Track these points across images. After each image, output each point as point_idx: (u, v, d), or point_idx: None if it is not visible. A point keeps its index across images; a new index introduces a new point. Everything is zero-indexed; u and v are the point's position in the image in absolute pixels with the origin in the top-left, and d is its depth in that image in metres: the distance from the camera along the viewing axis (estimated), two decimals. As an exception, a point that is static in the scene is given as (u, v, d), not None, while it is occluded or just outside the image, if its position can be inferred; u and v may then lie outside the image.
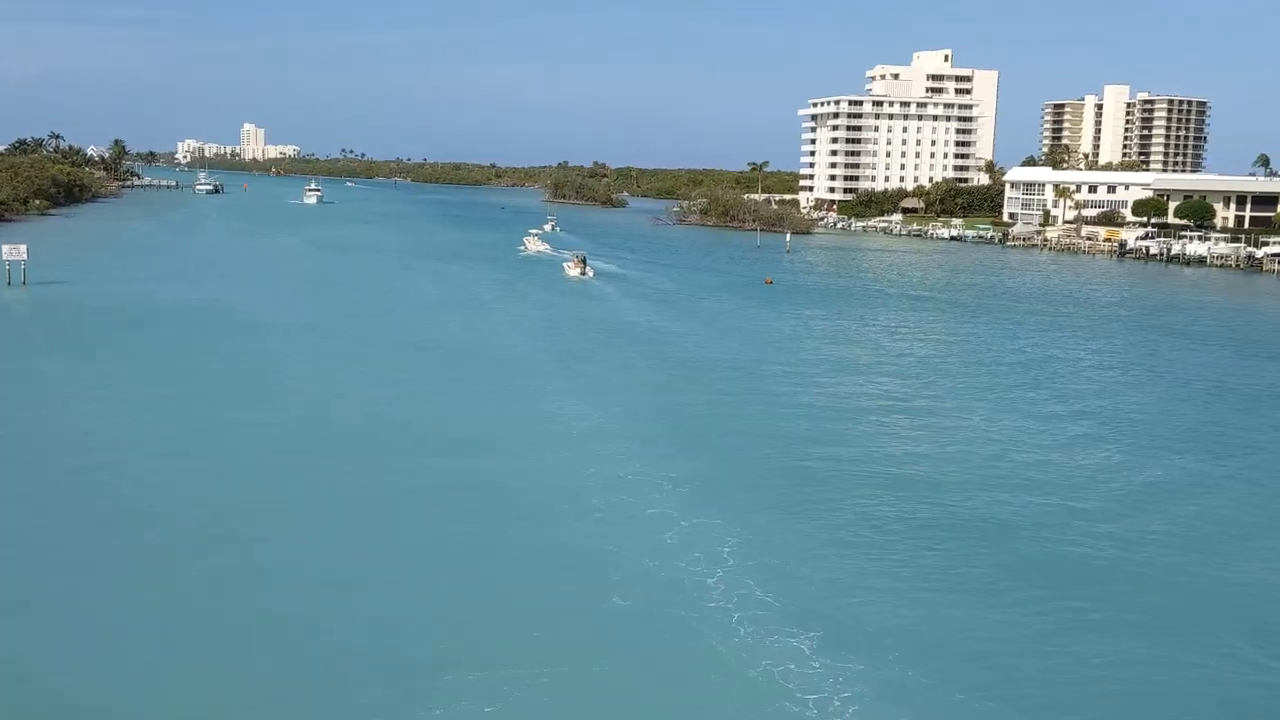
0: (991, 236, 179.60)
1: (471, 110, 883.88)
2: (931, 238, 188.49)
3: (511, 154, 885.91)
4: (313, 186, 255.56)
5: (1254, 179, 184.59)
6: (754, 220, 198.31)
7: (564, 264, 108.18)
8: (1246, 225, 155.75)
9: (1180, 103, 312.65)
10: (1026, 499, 35.55)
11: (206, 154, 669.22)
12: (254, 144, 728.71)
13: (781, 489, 35.66)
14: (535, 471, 36.88)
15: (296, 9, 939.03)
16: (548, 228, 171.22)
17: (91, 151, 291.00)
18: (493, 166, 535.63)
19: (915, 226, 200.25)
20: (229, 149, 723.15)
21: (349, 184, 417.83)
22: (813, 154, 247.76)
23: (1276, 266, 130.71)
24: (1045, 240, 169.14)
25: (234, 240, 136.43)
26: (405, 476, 35.83)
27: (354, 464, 37.07)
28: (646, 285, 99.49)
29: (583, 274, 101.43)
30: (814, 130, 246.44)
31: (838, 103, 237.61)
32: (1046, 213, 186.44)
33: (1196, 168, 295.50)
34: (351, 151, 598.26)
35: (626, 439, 41.42)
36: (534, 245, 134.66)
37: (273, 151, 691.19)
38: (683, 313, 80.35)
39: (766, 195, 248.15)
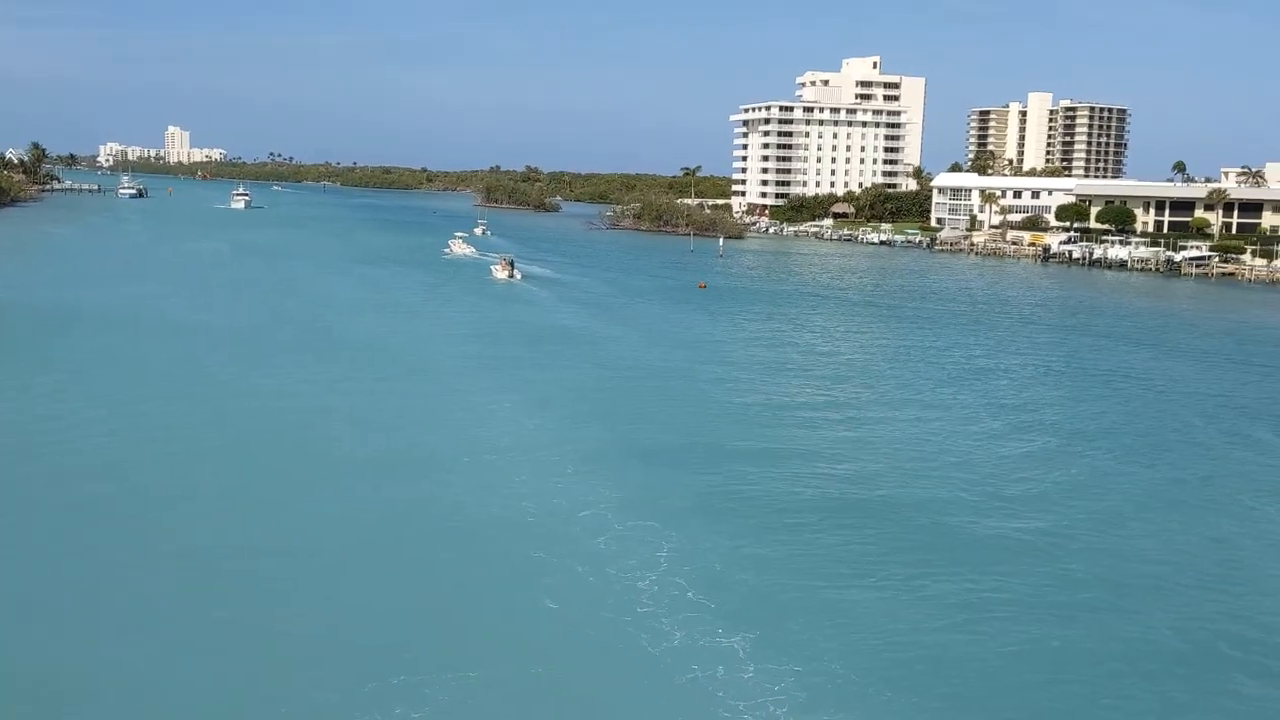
0: (920, 241, 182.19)
1: (402, 114, 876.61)
2: (861, 242, 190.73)
3: (443, 158, 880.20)
4: (240, 191, 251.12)
5: (1172, 185, 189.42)
6: (687, 225, 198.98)
7: (492, 267, 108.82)
8: (1165, 230, 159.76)
9: (1101, 110, 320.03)
10: (955, 497, 36.06)
11: (129, 157, 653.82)
12: (179, 147, 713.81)
13: (715, 492, 35.77)
14: (465, 478, 36.55)
15: (222, 9, 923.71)
16: (478, 232, 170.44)
17: (10, 154, 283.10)
18: (424, 171, 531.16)
19: (846, 231, 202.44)
20: (153, 152, 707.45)
21: (275, 188, 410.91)
22: (745, 159, 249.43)
23: (1194, 270, 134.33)
24: (972, 245, 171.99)
25: (159, 245, 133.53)
26: (328, 485, 35.30)
27: (276, 472, 36.44)
28: (580, 290, 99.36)
29: (510, 276, 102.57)
30: (746, 135, 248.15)
31: (769, 108, 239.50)
32: (973, 218, 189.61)
33: (1117, 174, 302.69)
34: (279, 155, 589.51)
35: (559, 444, 41.24)
36: (459, 248, 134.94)
37: (198, 155, 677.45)
38: (616, 317, 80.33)
39: (699, 200, 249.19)
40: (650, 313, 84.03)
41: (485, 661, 23.54)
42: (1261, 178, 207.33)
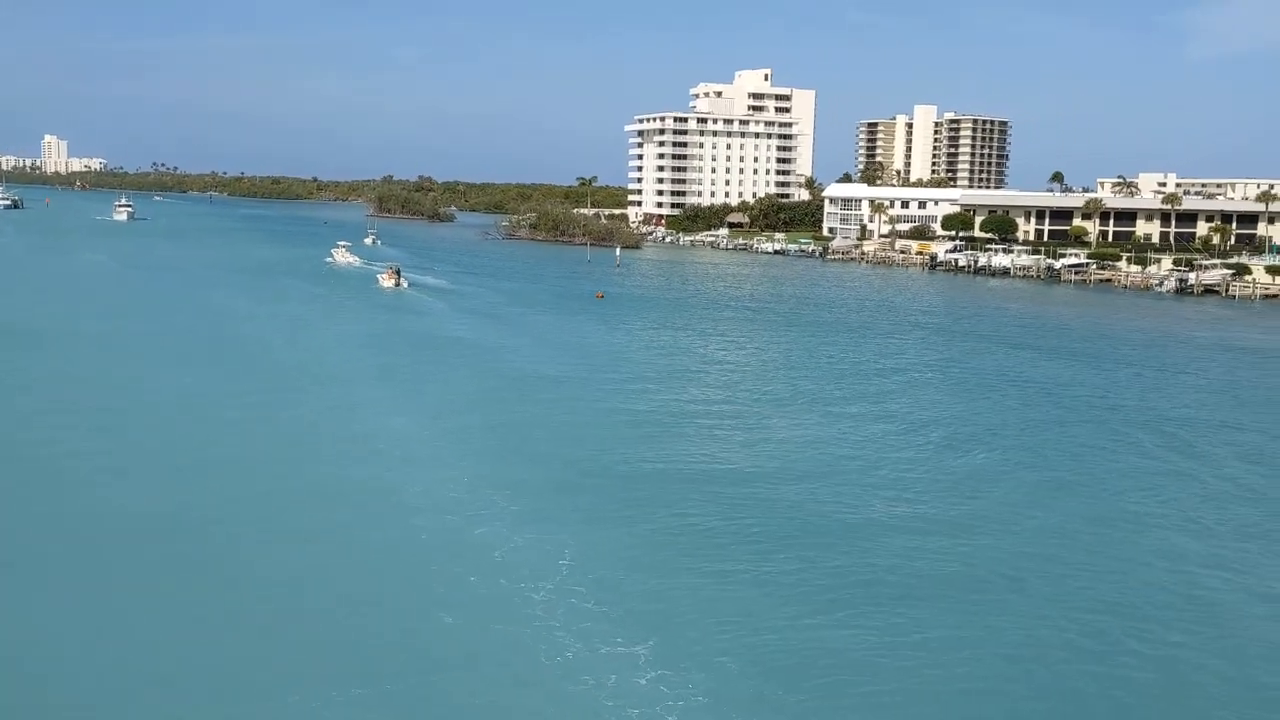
0: (813, 250, 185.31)
1: (292, 122, 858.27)
2: (756, 251, 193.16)
3: (334, 168, 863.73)
4: (123, 202, 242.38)
5: (1051, 194, 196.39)
6: (584, 235, 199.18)
7: (378, 275, 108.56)
8: (1045, 238, 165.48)
9: (984, 122, 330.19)
10: (848, 498, 36.62)
11: (4, 166, 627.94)
12: (56, 156, 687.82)
13: (612, 501, 35.71)
14: (357, 491, 35.84)
15: (101, 14, 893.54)
16: (368, 242, 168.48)
17: None
18: (314, 180, 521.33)
19: (741, 241, 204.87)
20: (29, 162, 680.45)
21: (156, 198, 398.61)
22: (640, 169, 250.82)
23: (1073, 277, 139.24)
24: (863, 254, 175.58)
25: (37, 257, 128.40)
26: (214, 497, 34.27)
27: (154, 488, 35.23)
28: (475, 300, 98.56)
29: (397, 285, 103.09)
30: (641, 146, 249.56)
31: (663, 119, 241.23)
32: (863, 227, 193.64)
33: (1000, 184, 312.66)
34: (163, 165, 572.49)
35: (453, 455, 40.76)
36: (342, 257, 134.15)
37: (77, 164, 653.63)
38: (512, 327, 79.84)
39: (596, 210, 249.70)
40: (547, 323, 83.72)
41: (379, 677, 23.05)
42: (1135, 188, 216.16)
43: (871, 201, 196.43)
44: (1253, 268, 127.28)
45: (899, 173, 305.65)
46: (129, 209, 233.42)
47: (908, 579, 29.61)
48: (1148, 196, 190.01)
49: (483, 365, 61.68)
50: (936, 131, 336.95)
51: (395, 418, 46.94)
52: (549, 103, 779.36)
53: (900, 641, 25.64)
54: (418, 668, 23.66)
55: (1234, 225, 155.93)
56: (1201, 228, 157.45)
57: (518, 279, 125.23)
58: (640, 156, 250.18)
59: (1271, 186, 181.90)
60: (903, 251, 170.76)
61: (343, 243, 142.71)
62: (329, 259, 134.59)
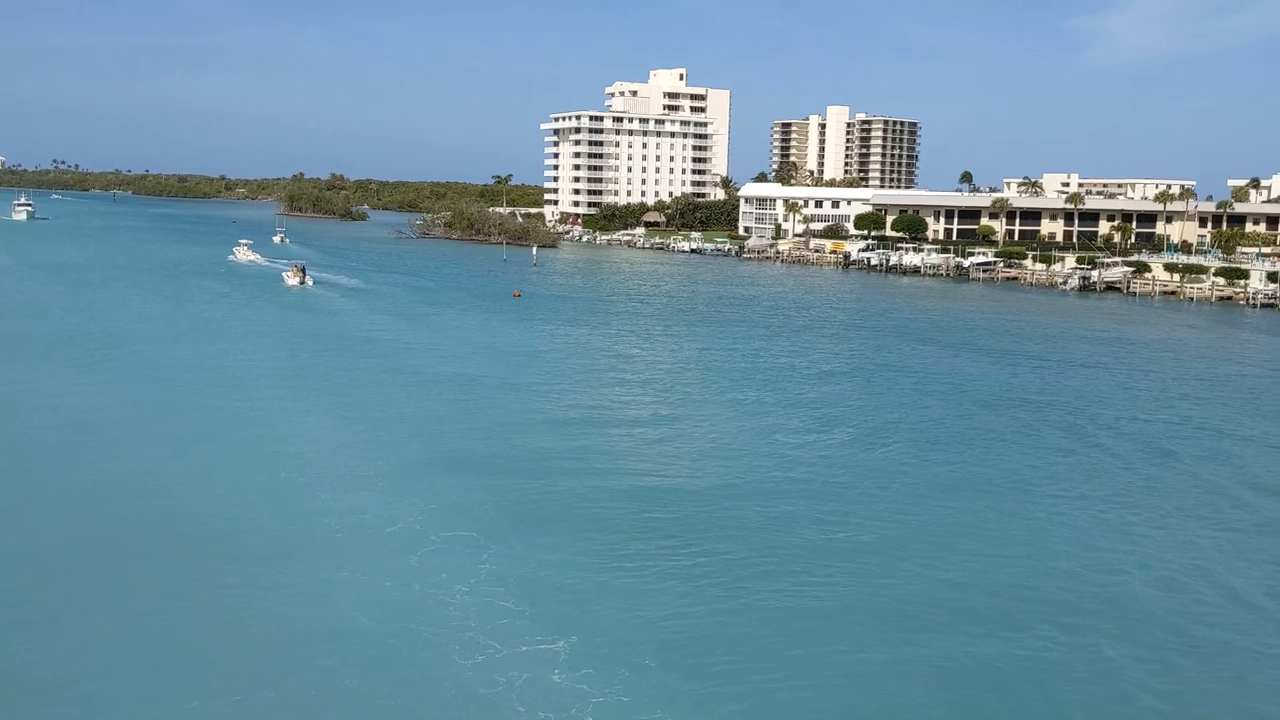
0: (729, 249, 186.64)
1: (200, 120, 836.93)
2: (673, 250, 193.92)
3: (244, 166, 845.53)
4: (23, 201, 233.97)
5: (959, 194, 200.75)
6: (499, 234, 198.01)
7: (283, 274, 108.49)
8: (955, 237, 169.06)
9: (894, 124, 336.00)
10: (763, 493, 36.85)
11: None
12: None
13: (529, 501, 35.45)
14: (265, 496, 35.04)
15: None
16: (277, 240, 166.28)
17: None
18: (223, 179, 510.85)
19: (657, 240, 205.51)
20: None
21: (55, 196, 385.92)
22: (556, 168, 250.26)
23: (981, 275, 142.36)
24: (778, 253, 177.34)
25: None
26: (118, 503, 33.22)
27: (60, 494, 34.03)
28: (388, 299, 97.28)
29: (302, 283, 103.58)
30: (557, 145, 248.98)
31: (579, 118, 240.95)
32: (778, 226, 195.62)
33: (910, 184, 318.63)
34: (64, 163, 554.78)
35: (366, 458, 40.10)
36: (244, 255, 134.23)
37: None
38: (427, 327, 78.92)
39: (512, 209, 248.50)
40: (462, 322, 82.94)
41: (289, 679, 22.54)
42: (1040, 188, 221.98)
43: (786, 201, 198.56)
44: (1152, 265, 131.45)
45: (812, 173, 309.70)
46: (28, 208, 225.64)
47: (821, 571, 29.89)
48: (1052, 196, 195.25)
49: (396, 366, 60.84)
50: (849, 132, 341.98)
51: (305, 421, 46.03)
52: (464, 101, 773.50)
53: (815, 633, 25.85)
54: (331, 670, 23.18)
55: (1134, 224, 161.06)
56: (1103, 227, 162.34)
57: (432, 278, 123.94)
58: (556, 155, 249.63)
59: (1169, 187, 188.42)
60: (817, 250, 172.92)
61: (244, 241, 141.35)
62: (231, 257, 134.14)
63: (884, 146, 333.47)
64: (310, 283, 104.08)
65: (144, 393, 50.35)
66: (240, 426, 44.32)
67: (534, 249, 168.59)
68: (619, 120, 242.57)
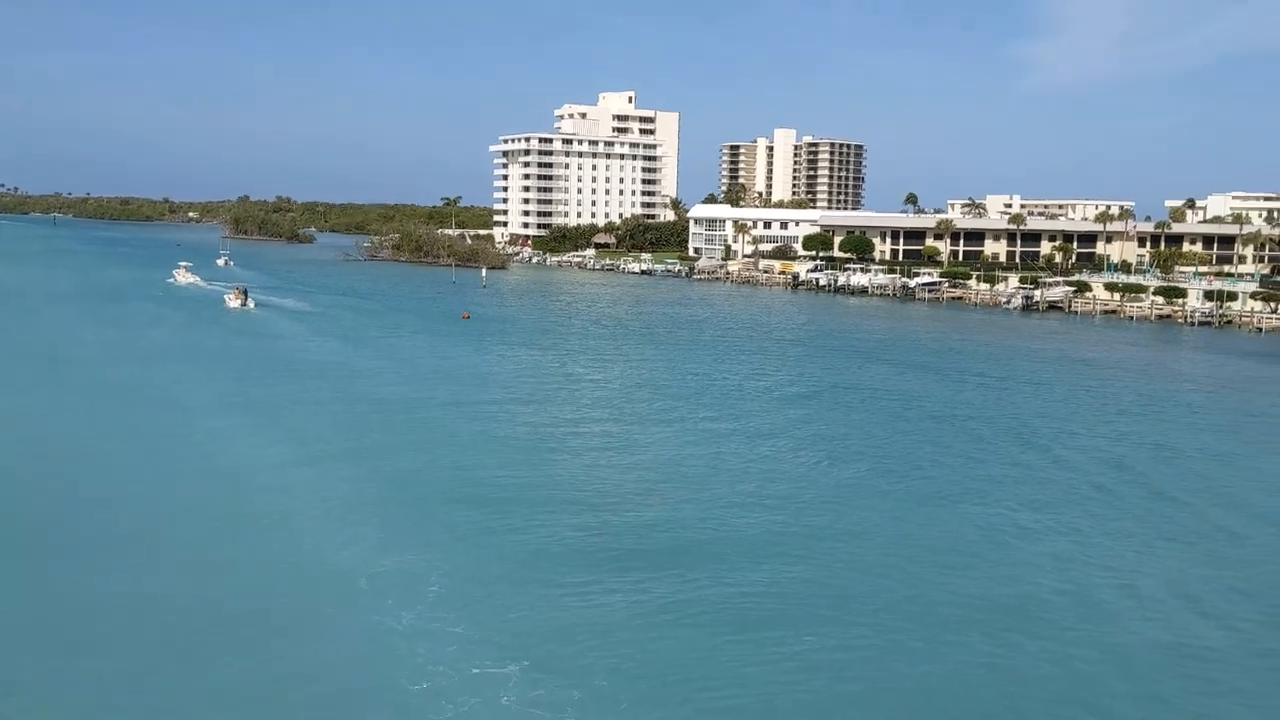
0: (679, 270, 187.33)
1: (144, 142, 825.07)
2: (623, 272, 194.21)
3: (189, 188, 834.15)
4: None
5: (905, 215, 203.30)
6: (449, 256, 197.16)
7: (225, 296, 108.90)
8: (901, 257, 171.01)
9: (841, 146, 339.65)
10: (712, 515, 36.94)
11: None
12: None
13: (479, 524, 35.26)
14: (210, 521, 34.54)
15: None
16: (221, 263, 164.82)
17: None
18: (166, 201, 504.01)
19: (608, 261, 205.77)
20: None
21: None
22: (506, 190, 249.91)
23: (927, 295, 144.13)
24: (728, 273, 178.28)
25: None
26: (56, 527, 32.54)
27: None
28: (337, 323, 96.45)
29: (244, 305, 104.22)
30: (506, 166, 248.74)
31: (528, 140, 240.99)
32: (728, 247, 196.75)
33: (857, 205, 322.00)
34: (2, 185, 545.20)
35: (313, 482, 39.68)
36: (184, 277, 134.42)
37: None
38: (375, 350, 78.33)
39: (461, 230, 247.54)
40: (411, 345, 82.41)
41: (236, 707, 22.16)
42: (983, 209, 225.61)
43: (735, 222, 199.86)
44: (1092, 285, 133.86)
45: (761, 194, 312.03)
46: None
47: (773, 588, 30.00)
48: (995, 217, 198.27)
49: (343, 389, 60.30)
50: (796, 154, 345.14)
51: (252, 445, 45.46)
52: (413, 123, 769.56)
53: (767, 652, 25.93)
54: (278, 698, 22.84)
55: (1075, 244, 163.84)
56: (1045, 247, 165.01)
57: (380, 301, 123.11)
58: (506, 177, 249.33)
59: (1108, 208, 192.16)
60: (766, 271, 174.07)
61: (184, 263, 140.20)
62: (170, 280, 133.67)
63: (831, 168, 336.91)
64: (252, 305, 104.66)
65: (84, 416, 49.43)
66: (183, 451, 43.66)
67: (483, 271, 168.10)
68: (568, 142, 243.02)
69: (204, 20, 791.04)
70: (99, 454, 42.99)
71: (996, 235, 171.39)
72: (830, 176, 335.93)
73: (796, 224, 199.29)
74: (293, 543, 32.61)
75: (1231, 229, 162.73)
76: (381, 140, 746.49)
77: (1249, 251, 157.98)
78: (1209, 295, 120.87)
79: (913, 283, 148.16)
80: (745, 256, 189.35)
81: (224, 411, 52.63)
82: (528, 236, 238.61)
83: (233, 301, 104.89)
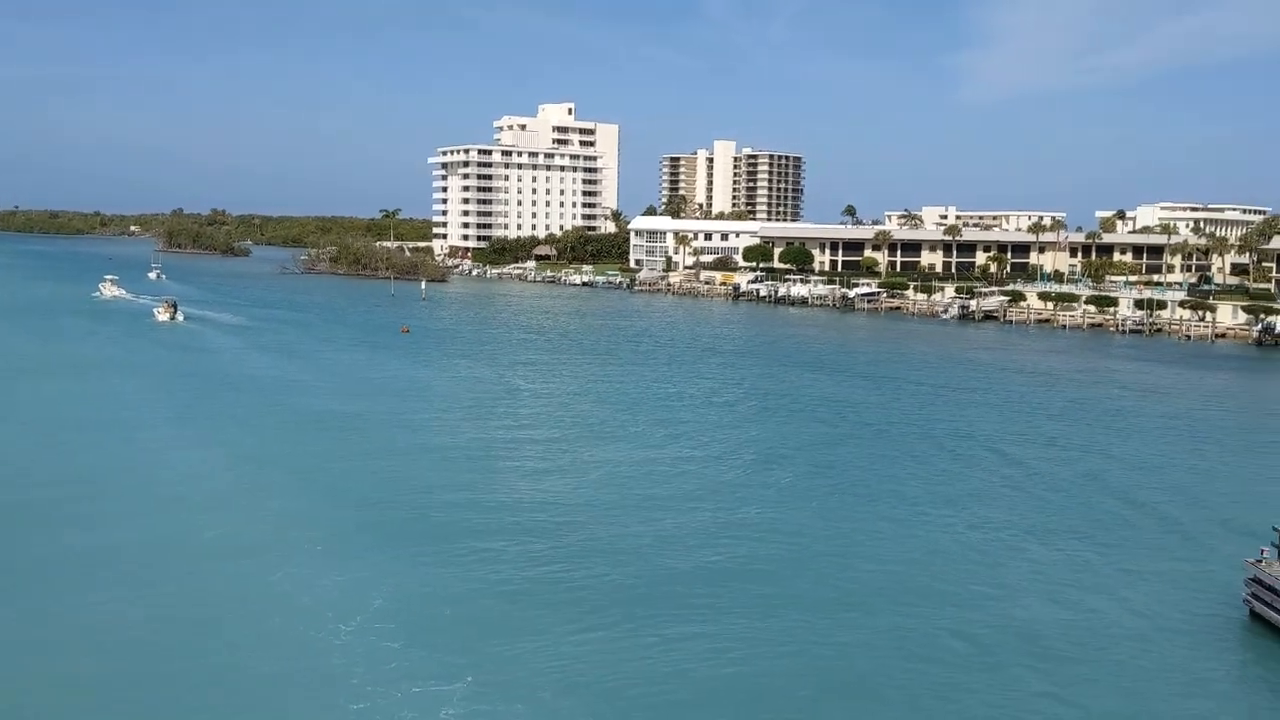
0: (620, 282, 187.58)
1: (74, 154, 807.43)
2: (564, 284, 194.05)
3: (121, 201, 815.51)
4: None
5: (844, 227, 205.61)
6: (388, 268, 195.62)
7: (154, 309, 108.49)
8: (840, 268, 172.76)
9: (780, 158, 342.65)
10: (654, 525, 36.95)
11: None
12: None
13: (420, 539, 34.94)
14: (149, 535, 33.84)
15: None
16: (153, 276, 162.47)
17: None
18: (98, 215, 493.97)
19: (549, 273, 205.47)
20: None
21: None
22: (445, 202, 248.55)
23: (866, 305, 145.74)
24: (669, 285, 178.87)
25: None
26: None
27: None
28: (273, 336, 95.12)
29: (173, 318, 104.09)
30: (445, 178, 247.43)
31: (467, 151, 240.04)
32: (669, 259, 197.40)
33: (796, 216, 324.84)
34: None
35: (252, 498, 39.08)
36: (110, 290, 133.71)
37: None
38: (313, 364, 77.37)
39: (400, 243, 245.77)
40: (350, 359, 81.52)
41: (167, 738, 21.70)
42: (919, 220, 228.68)
43: (676, 234, 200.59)
44: (1026, 294, 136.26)
45: (701, 205, 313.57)
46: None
47: (710, 594, 30.05)
48: (931, 228, 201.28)
49: (280, 403, 59.46)
50: (736, 166, 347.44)
51: (188, 461, 44.64)
52: (350, 135, 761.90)
53: (712, 656, 25.94)
54: (217, 714, 22.40)
55: (1009, 255, 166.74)
56: (980, 257, 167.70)
57: (317, 314, 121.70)
58: (445, 189, 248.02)
59: (1041, 218, 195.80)
60: (707, 282, 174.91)
61: (110, 277, 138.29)
62: (96, 294, 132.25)
63: (770, 180, 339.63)
64: (181, 318, 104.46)
65: (8, 433, 48.17)
66: (114, 468, 42.74)
67: (423, 283, 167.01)
68: (508, 154, 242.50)
69: (136, 29, 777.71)
70: (24, 473, 41.89)
71: (933, 246, 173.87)
72: (770, 188, 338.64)
73: (737, 235, 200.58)
74: (230, 560, 32.04)
75: (1160, 239, 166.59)
76: (319, 152, 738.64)
77: (1177, 261, 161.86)
78: (1139, 304, 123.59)
79: (852, 293, 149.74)
80: (686, 268, 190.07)
81: (157, 427, 51.64)
82: (467, 249, 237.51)
83: (162, 315, 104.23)
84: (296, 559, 32.29)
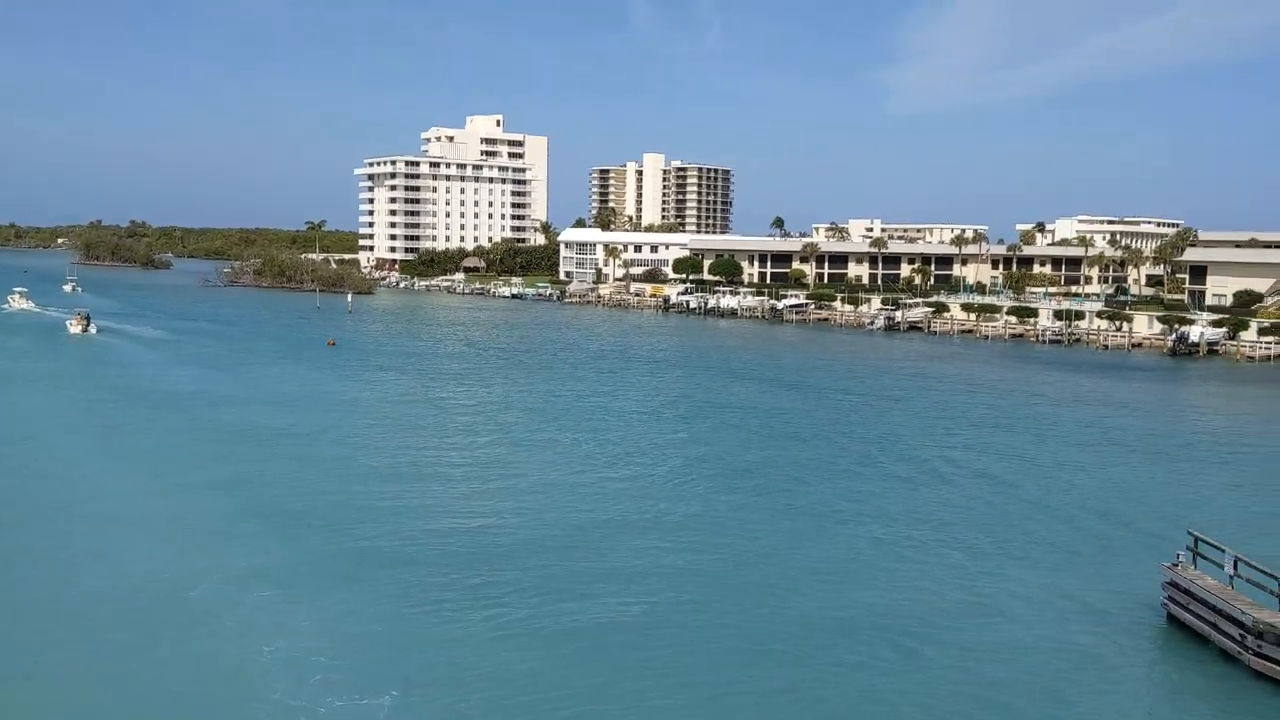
0: (550, 294, 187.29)
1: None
2: (494, 296, 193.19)
3: (36, 213, 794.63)
4: None
5: (772, 239, 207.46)
6: (313, 281, 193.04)
7: (67, 322, 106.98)
8: (769, 280, 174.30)
9: (708, 171, 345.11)
10: (583, 541, 36.78)
11: None
12: None
13: (345, 555, 34.42)
14: (64, 559, 32.85)
15: None
16: (68, 289, 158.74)
17: None
18: (12, 226, 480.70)
19: (478, 285, 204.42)
20: None
21: None
22: (372, 214, 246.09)
23: (794, 316, 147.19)
24: (599, 297, 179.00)
25: None
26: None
27: None
28: (194, 350, 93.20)
29: (85, 331, 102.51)
30: (372, 190, 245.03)
31: (395, 163, 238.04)
32: (599, 271, 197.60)
33: (725, 229, 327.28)
34: None
35: (173, 517, 38.19)
36: (17, 303, 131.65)
37: None
38: (236, 378, 75.94)
39: (326, 255, 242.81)
40: (274, 372, 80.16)
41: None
42: (846, 233, 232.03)
43: (606, 246, 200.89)
44: (950, 306, 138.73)
45: (631, 218, 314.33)
46: None
47: (642, 604, 29.99)
48: (858, 240, 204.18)
49: (202, 418, 58.24)
50: (665, 179, 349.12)
51: (101, 478, 43.48)
52: (275, 145, 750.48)
53: (637, 669, 25.88)
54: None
55: (933, 267, 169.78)
56: (905, 269, 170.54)
57: (241, 327, 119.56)
58: (372, 200, 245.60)
59: (964, 231, 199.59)
60: (637, 294, 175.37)
61: (18, 290, 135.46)
62: (4, 306, 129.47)
63: (699, 192, 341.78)
64: (94, 330, 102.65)
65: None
66: (22, 484, 41.45)
67: (349, 296, 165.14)
68: (436, 165, 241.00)
69: (53, 36, 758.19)
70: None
71: (860, 258, 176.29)
72: (699, 200, 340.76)
73: (667, 247, 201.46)
74: (149, 579, 31.25)
75: (1078, 251, 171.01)
76: (243, 163, 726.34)
77: (1094, 272, 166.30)
78: (1058, 315, 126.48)
79: (780, 305, 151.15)
80: (616, 280, 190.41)
81: (68, 442, 50.29)
82: (395, 261, 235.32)
83: (74, 327, 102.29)
84: (218, 577, 31.60)
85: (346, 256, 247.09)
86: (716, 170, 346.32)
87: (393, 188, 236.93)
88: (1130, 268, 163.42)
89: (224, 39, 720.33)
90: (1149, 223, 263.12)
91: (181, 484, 42.90)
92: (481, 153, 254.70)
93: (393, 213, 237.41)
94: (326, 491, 42.39)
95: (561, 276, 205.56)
